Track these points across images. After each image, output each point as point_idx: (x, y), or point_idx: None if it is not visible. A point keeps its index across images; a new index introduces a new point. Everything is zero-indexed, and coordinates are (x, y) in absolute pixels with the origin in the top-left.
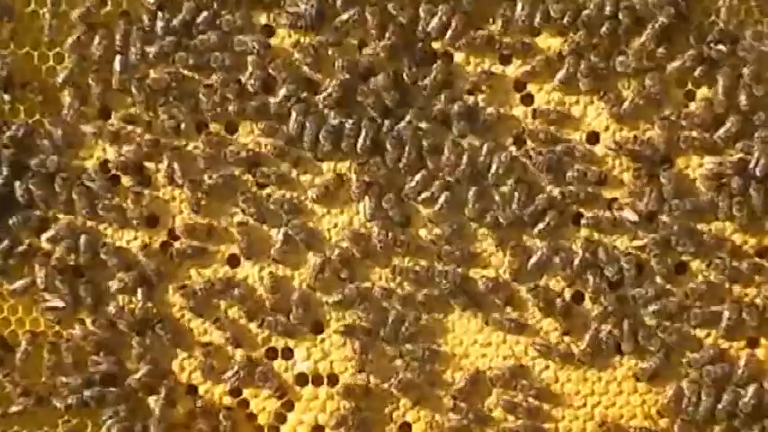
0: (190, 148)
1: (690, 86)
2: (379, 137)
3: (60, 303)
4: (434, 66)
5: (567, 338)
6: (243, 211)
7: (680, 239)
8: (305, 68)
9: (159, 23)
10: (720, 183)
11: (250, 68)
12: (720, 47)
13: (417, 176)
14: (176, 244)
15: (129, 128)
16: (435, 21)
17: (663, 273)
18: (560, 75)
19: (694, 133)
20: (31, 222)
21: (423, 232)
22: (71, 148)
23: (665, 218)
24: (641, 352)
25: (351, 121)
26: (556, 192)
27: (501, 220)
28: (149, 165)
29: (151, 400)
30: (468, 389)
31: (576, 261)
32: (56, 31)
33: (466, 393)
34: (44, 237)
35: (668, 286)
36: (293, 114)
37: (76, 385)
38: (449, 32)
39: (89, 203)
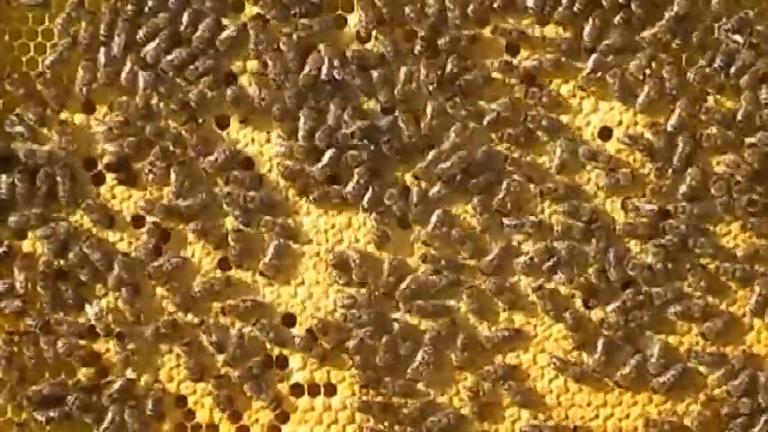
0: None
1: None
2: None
3: (17, 305)
4: (449, 59)
5: (571, 341)
6: (231, 214)
7: (697, 241)
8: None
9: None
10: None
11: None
12: (737, 37)
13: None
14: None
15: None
16: (451, 13)
17: (679, 274)
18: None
19: (714, 129)
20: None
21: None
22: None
23: (675, 221)
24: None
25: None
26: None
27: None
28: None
29: None
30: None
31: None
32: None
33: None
34: (37, 233)
35: (687, 288)
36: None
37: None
38: (455, 23)
39: (72, 197)
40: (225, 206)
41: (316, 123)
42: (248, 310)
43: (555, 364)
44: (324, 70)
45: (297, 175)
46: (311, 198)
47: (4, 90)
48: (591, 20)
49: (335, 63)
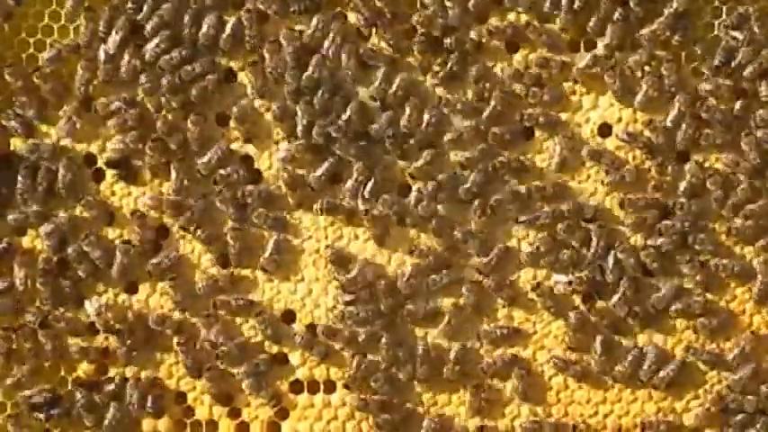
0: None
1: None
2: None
3: (11, 306)
4: (451, 56)
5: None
6: (226, 211)
7: (696, 237)
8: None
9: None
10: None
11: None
12: (736, 33)
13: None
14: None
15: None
16: (451, 11)
17: (679, 272)
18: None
19: (713, 128)
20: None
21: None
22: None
23: (674, 219)
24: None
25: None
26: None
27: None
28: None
29: None
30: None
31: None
32: None
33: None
34: (41, 230)
35: (687, 285)
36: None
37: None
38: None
39: (72, 192)
40: (219, 204)
41: (313, 118)
42: (240, 308)
43: (555, 362)
44: (325, 47)
45: (298, 184)
46: (315, 209)
47: (5, 85)
48: (599, 9)
49: (332, 51)
